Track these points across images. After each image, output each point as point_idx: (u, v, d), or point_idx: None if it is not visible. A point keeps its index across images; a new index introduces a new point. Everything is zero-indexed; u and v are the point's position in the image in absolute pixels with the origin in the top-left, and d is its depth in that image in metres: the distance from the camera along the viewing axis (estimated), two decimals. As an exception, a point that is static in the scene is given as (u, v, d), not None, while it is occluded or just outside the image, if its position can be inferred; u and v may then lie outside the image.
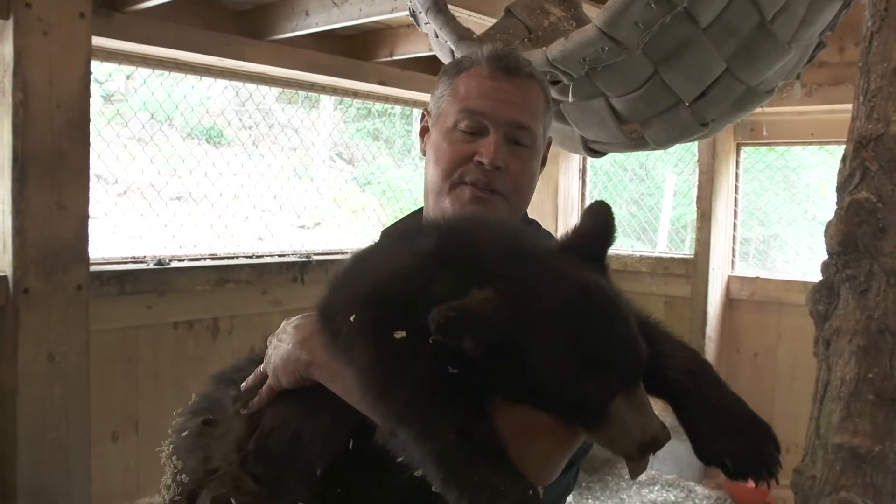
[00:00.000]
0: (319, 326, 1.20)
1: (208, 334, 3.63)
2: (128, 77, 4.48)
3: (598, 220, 1.17)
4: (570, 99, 2.22)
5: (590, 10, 2.93)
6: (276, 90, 4.57)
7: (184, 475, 1.23)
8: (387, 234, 1.68)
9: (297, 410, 1.22)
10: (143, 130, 4.43)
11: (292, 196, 6.26)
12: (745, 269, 5.33)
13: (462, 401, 1.00)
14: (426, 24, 2.45)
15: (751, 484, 1.08)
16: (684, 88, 2.17)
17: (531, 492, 0.94)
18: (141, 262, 3.43)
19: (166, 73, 3.64)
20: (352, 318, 1.08)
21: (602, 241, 1.16)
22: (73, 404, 2.83)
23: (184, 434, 1.29)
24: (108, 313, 3.19)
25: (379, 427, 1.05)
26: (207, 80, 3.89)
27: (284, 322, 1.32)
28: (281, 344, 1.26)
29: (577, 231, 1.18)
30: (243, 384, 1.31)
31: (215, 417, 1.30)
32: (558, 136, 2.55)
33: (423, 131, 1.65)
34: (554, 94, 2.27)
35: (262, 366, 1.29)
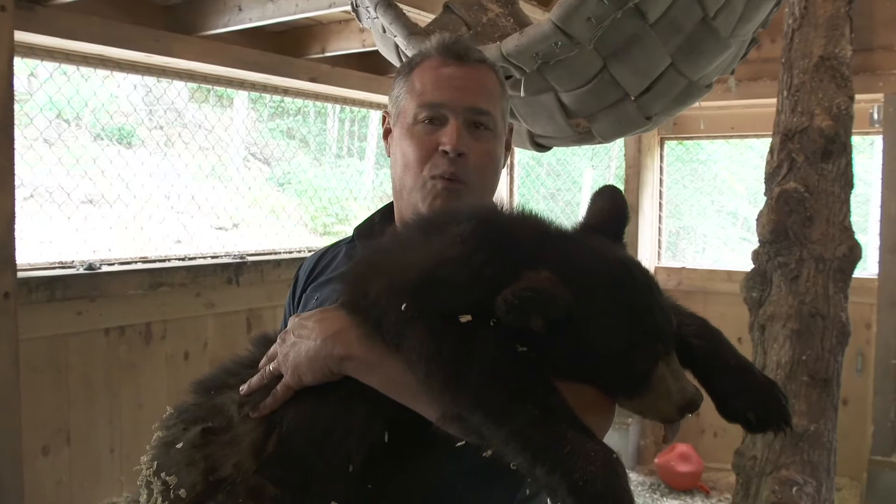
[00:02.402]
0: (352, 320, 1.18)
1: (141, 340, 3.51)
2: (31, 73, 4.28)
3: (613, 202, 1.24)
4: (522, 94, 2.24)
5: (524, 7, 2.97)
6: (188, 88, 4.45)
7: (181, 490, 1.15)
8: (360, 231, 1.67)
9: (324, 406, 1.18)
10: (48, 129, 4.25)
11: (209, 197, 6.13)
12: (669, 261, 5.50)
13: (536, 377, 1.03)
14: (372, 18, 2.43)
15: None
16: (631, 83, 2.22)
17: (615, 456, 0.98)
18: (70, 268, 3.28)
19: (73, 69, 3.50)
20: (402, 308, 1.06)
21: (619, 220, 1.23)
22: (2, 418, 2.69)
23: (178, 446, 1.20)
24: (36, 321, 3.05)
25: (440, 414, 1.05)
26: (117, 78, 3.75)
27: (295, 318, 1.28)
28: (302, 340, 1.21)
29: (593, 213, 1.24)
30: (244, 386, 1.25)
31: (216, 425, 1.23)
32: (505, 131, 2.58)
33: (386, 133, 1.64)
34: (505, 88, 2.29)
35: (270, 365, 1.25)
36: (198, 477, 1.16)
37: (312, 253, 1.78)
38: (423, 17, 3.06)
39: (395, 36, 2.36)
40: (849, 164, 2.97)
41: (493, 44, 2.17)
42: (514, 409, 0.99)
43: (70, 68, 3.51)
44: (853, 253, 2.86)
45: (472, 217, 1.16)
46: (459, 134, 1.45)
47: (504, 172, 5.40)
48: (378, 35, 2.52)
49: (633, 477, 4.95)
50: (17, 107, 2.80)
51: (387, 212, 1.67)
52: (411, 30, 2.29)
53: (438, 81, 1.50)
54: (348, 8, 2.65)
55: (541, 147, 2.62)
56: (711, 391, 1.19)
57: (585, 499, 0.93)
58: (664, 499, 4.77)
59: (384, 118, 1.65)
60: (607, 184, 1.28)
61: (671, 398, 1.07)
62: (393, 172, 1.59)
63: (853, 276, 2.98)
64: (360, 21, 2.62)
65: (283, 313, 1.76)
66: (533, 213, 1.24)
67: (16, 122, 2.78)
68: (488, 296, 1.01)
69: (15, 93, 2.76)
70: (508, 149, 1.67)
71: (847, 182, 2.95)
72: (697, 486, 4.83)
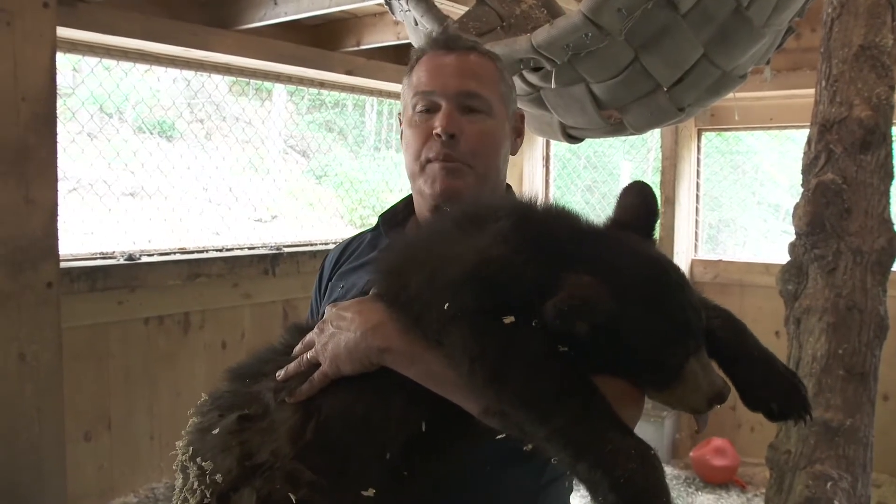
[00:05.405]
0: (391, 313, 1.19)
1: (179, 329, 3.58)
2: (73, 68, 4.37)
3: (643, 198, 1.25)
4: (553, 85, 2.24)
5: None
6: (227, 82, 4.51)
7: (217, 475, 1.17)
8: (385, 219, 1.70)
9: (362, 395, 1.19)
10: (90, 123, 4.33)
11: (247, 189, 6.22)
12: (706, 253, 5.44)
13: (577, 376, 1.05)
14: (405, 11, 2.44)
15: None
16: (663, 74, 2.21)
17: (652, 452, 1.00)
18: (111, 258, 3.36)
19: (114, 64, 3.57)
20: (445, 307, 1.07)
21: (649, 217, 1.24)
22: (45, 404, 2.77)
23: (214, 432, 1.22)
24: (78, 310, 3.13)
25: (482, 409, 1.07)
26: (157, 72, 3.82)
27: (332, 309, 1.29)
28: (341, 332, 1.22)
29: (623, 209, 1.25)
30: (280, 373, 1.27)
31: (252, 412, 1.24)
32: (537, 123, 2.58)
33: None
34: (536, 80, 2.29)
35: (307, 353, 1.26)
36: (233, 462, 1.17)
37: (338, 243, 1.82)
38: (456, 10, 3.07)
39: (426, 28, 2.37)
40: (888, 156, 2.92)
41: (523, 35, 2.17)
42: (557, 408, 1.01)
43: (111, 63, 3.58)
44: (892, 246, 2.81)
45: (510, 213, 1.17)
46: (450, 117, 1.50)
47: (540, 165, 5.37)
48: (411, 27, 2.54)
49: (669, 471, 4.92)
50: (60, 101, 2.87)
51: (411, 201, 1.70)
52: (442, 22, 2.30)
53: (429, 71, 1.56)
54: (382, 0, 2.67)
55: (573, 139, 2.61)
56: (735, 381, 1.21)
57: (627, 495, 0.95)
58: (699, 493, 4.74)
59: (399, 120, 1.69)
60: (636, 179, 1.29)
61: (701, 391, 1.10)
62: (405, 164, 1.64)
63: (892, 269, 2.93)
64: (393, 14, 2.64)
65: (311, 302, 1.80)
66: (563, 207, 1.25)
67: (59, 116, 2.85)
68: (530, 296, 1.03)
69: (58, 87, 2.83)
70: (520, 136, 1.69)
71: (886, 173, 2.89)
72: (733, 481, 4.78)
